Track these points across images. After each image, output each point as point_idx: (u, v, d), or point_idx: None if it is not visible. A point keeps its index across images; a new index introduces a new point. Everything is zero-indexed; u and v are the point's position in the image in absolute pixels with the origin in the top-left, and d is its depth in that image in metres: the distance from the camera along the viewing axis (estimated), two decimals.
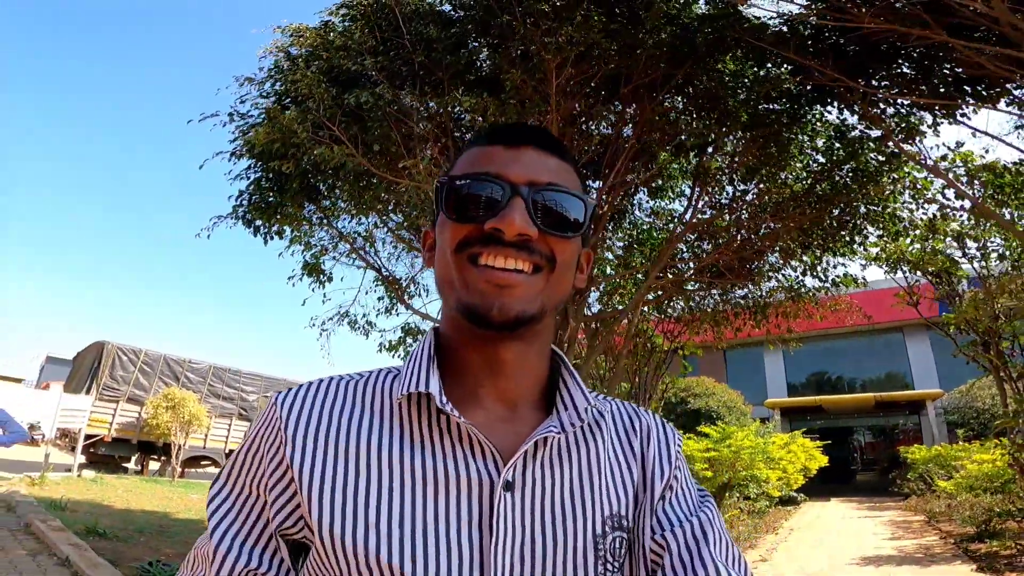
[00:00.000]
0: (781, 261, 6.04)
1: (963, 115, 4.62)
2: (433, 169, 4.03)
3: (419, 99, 4.32)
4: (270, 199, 5.21)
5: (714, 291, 6.25)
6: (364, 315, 6.32)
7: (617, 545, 0.56)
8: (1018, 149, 4.19)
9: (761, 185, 5.78)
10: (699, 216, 6.02)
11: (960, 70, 4.05)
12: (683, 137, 5.41)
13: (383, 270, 5.83)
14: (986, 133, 4.30)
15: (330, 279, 6.00)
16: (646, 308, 7.15)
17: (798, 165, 5.61)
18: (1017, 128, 4.54)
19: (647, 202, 6.81)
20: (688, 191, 6.16)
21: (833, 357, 17.32)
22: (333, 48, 4.35)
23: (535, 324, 0.57)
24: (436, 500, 0.53)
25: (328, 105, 4.13)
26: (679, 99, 5.39)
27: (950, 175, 4.91)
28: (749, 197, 6.01)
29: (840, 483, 16.13)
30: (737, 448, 7.59)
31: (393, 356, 6.69)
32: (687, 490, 0.62)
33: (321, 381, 0.60)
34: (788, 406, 16.31)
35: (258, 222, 5.38)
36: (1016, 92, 4.15)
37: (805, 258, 5.99)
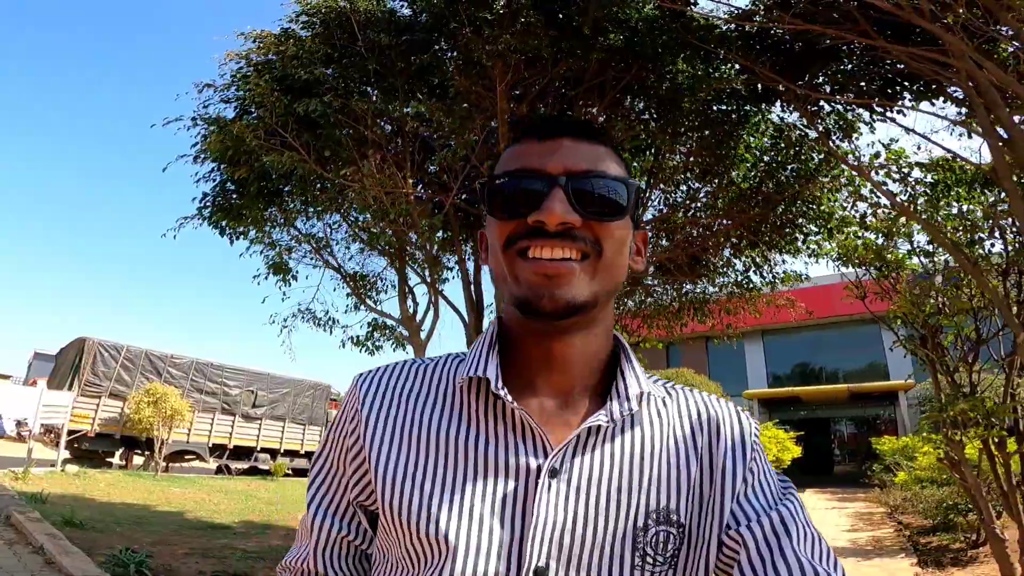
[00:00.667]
0: (732, 258, 6.25)
1: (899, 111, 4.80)
2: (377, 175, 4.21)
3: (370, 105, 4.49)
4: (233, 201, 5.41)
5: (668, 287, 6.46)
6: (326, 312, 6.50)
7: (661, 539, 0.55)
8: (942, 147, 4.39)
9: (714, 182, 5.98)
10: (655, 213, 6.22)
11: (902, 66, 4.23)
12: (641, 137, 5.59)
13: (342, 269, 6.02)
14: (915, 131, 4.48)
15: (295, 278, 6.18)
16: None
17: (746, 164, 5.80)
18: (955, 124, 4.71)
19: None
20: (645, 189, 6.34)
21: (815, 348, 17.52)
22: (287, 57, 4.52)
23: (588, 312, 0.57)
24: (485, 481, 0.56)
25: (280, 113, 4.30)
26: (636, 101, 5.56)
27: (883, 172, 5.09)
28: (702, 196, 6.21)
29: (819, 474, 16.36)
30: None
31: (361, 351, 6.89)
32: (766, 483, 0.60)
33: (396, 364, 0.65)
34: (767, 397, 16.56)
35: (223, 223, 5.57)
36: (950, 90, 4.32)
37: (753, 255, 6.20)
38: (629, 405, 0.58)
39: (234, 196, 5.41)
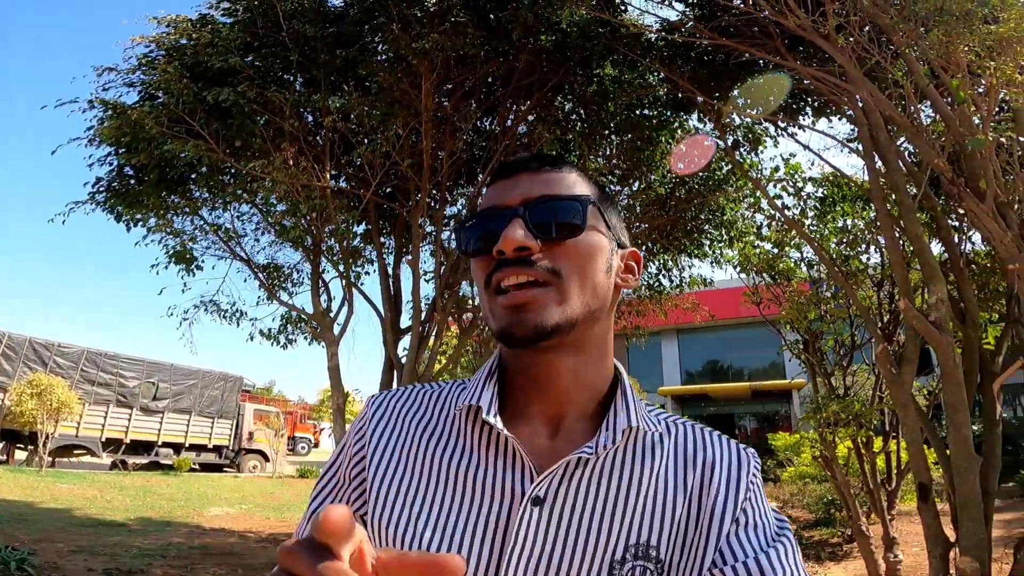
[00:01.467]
0: (646, 261, 6.58)
1: (799, 128, 5.23)
2: (292, 168, 4.11)
3: (290, 96, 4.36)
4: (131, 187, 5.11)
5: None
6: (233, 303, 6.24)
7: (637, 574, 0.56)
8: (832, 165, 4.83)
9: (633, 186, 6.25)
10: None
11: (808, 83, 4.60)
12: (568, 137, 5.75)
13: (252, 261, 5.81)
14: (808, 148, 4.90)
15: (199, 268, 5.90)
16: None
17: (662, 170, 6.11)
18: (843, 144, 5.19)
19: None
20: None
21: (723, 347, 18.62)
22: (201, 44, 4.30)
23: (564, 334, 0.57)
24: (470, 506, 0.58)
25: (188, 100, 4.09)
26: (563, 101, 5.71)
27: (780, 186, 5.55)
28: (622, 199, 6.48)
29: None
30: None
31: (272, 344, 6.67)
32: (760, 524, 0.59)
33: (407, 388, 0.68)
34: (680, 393, 17.48)
35: (119, 209, 5.25)
36: (846, 111, 4.75)
37: (665, 258, 6.56)
38: (614, 439, 0.58)
39: (132, 182, 5.11)
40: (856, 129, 4.79)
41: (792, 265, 6.78)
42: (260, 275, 5.82)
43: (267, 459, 15.25)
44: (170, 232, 5.62)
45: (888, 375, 3.78)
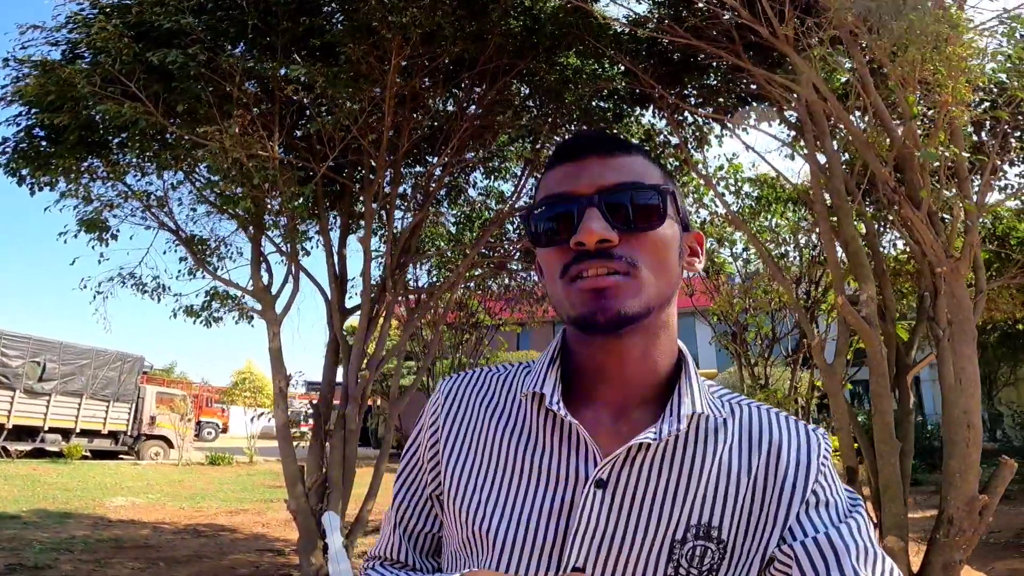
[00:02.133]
0: None
1: (745, 129, 5.54)
2: (245, 136, 3.80)
3: (241, 62, 4.02)
4: (42, 148, 4.56)
5: (531, 272, 6.76)
6: (155, 277, 5.72)
7: (698, 553, 0.57)
8: (772, 166, 5.13)
9: None
10: (528, 201, 6.44)
11: (755, 86, 4.85)
12: (522, 123, 5.72)
13: (181, 231, 5.33)
14: (752, 149, 5.20)
15: (115, 237, 5.34)
16: (472, 284, 7.49)
17: None
18: (782, 146, 5.55)
19: (482, 181, 7.08)
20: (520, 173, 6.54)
21: None
22: (147, 3, 3.86)
23: (641, 321, 0.57)
24: (535, 489, 0.59)
25: (127, 61, 3.69)
26: (523, 87, 5.67)
27: (723, 184, 5.88)
28: None
29: None
30: None
31: (195, 322, 6.18)
32: (832, 501, 0.59)
33: (477, 371, 0.70)
34: None
35: (24, 171, 4.67)
36: (787, 114, 5.08)
37: None
38: (678, 425, 0.58)
39: (43, 143, 4.56)
40: (793, 134, 5.17)
41: (723, 260, 7.24)
42: (188, 247, 5.35)
43: (171, 445, 14.17)
44: (84, 198, 5.03)
45: (822, 365, 4.13)
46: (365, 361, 5.09)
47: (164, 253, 6.15)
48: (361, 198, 5.87)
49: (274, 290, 5.15)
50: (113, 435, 13.14)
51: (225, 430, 21.25)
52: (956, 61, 2.58)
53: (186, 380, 24.04)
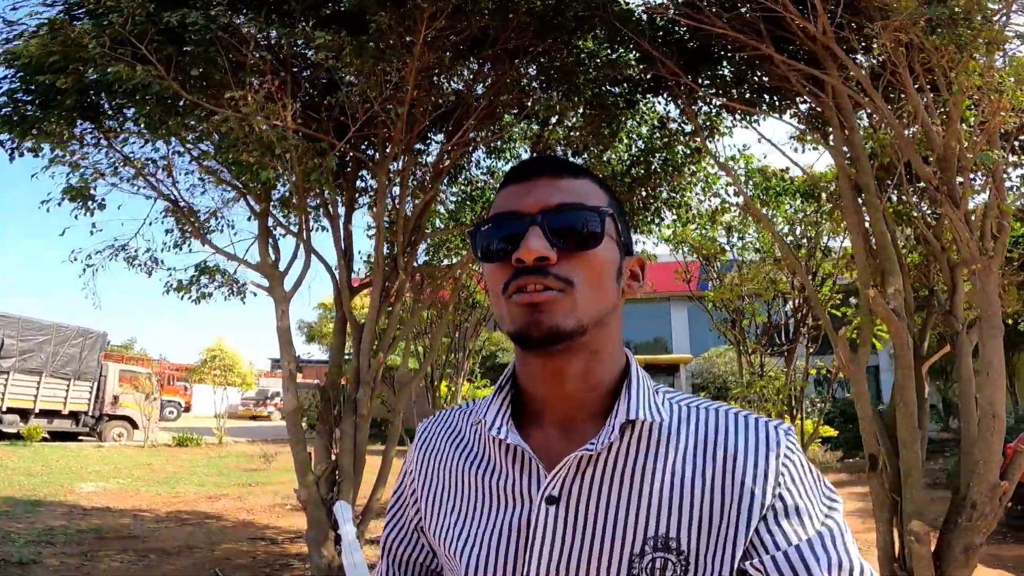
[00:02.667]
0: None
1: (755, 121, 5.52)
2: (267, 104, 3.53)
3: (260, 26, 3.72)
4: (27, 113, 4.16)
5: None
6: (148, 250, 5.34)
7: (658, 566, 0.56)
8: (789, 158, 5.14)
9: (591, 161, 6.24)
10: None
11: (766, 79, 4.80)
12: (530, 104, 5.54)
13: (180, 201, 4.98)
14: (769, 141, 5.19)
15: (102, 206, 4.95)
16: (472, 265, 7.32)
17: (621, 147, 6.16)
18: (791, 139, 5.56)
19: (484, 160, 6.89)
20: (525, 156, 6.38)
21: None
22: None
23: (576, 338, 0.58)
24: (496, 511, 0.62)
25: (139, 21, 3.36)
26: (533, 67, 5.48)
27: (733, 175, 5.86)
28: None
29: None
30: None
31: (183, 297, 5.83)
32: (803, 506, 0.57)
33: (446, 412, 0.74)
34: None
35: (3, 136, 4.27)
36: (801, 107, 5.07)
37: None
38: (613, 434, 0.58)
39: (28, 107, 4.16)
40: (803, 128, 5.18)
41: (720, 248, 7.28)
42: (189, 219, 5.00)
43: (135, 426, 13.55)
44: (71, 164, 4.61)
45: (847, 355, 4.19)
46: (375, 343, 4.89)
47: (150, 224, 5.72)
48: (363, 173, 5.62)
49: (282, 266, 4.89)
50: (74, 416, 12.48)
51: (188, 409, 20.52)
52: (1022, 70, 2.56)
53: (146, 357, 23.01)
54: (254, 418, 23.16)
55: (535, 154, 5.76)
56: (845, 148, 4.22)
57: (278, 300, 4.68)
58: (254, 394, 23.31)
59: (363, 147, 4.94)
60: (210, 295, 5.78)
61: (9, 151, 4.47)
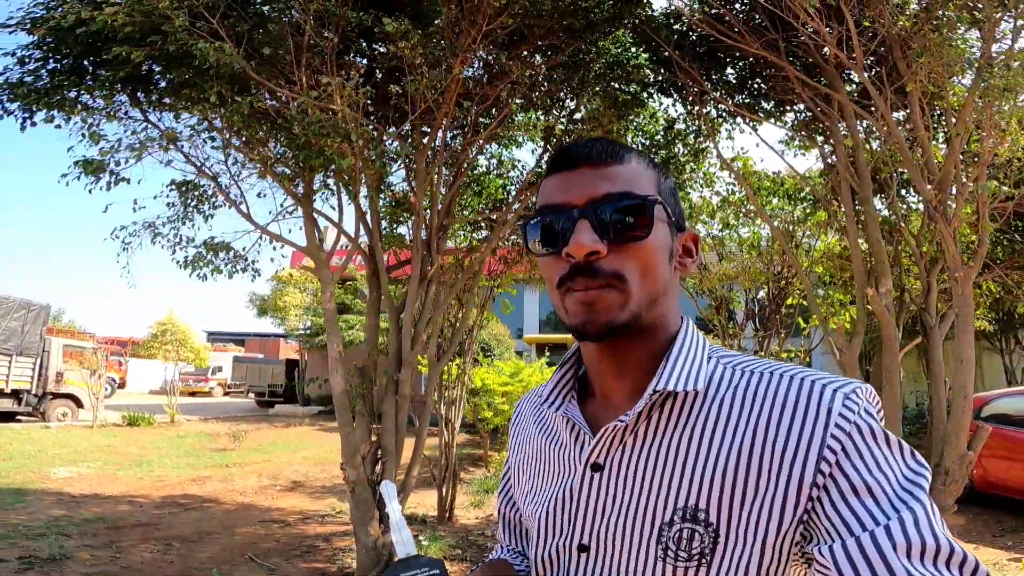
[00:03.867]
0: None
1: (754, 126, 5.99)
2: (354, 95, 3.57)
3: (339, 7, 3.71)
4: (51, 83, 3.97)
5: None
6: (175, 228, 5.17)
7: (685, 536, 0.56)
8: (787, 163, 5.65)
9: None
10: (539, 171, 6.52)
11: (764, 86, 5.25)
12: (534, 95, 5.71)
13: (219, 177, 4.86)
14: (768, 145, 5.68)
15: (127, 180, 4.77)
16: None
17: (629, 139, 6.46)
18: (781, 143, 6.08)
19: (488, 147, 6.99)
20: (537, 148, 6.58)
21: None
22: None
23: (631, 329, 0.60)
24: (556, 477, 0.68)
25: None
26: (540, 58, 5.64)
27: (731, 175, 6.35)
28: None
29: None
30: (527, 382, 8.68)
31: (191, 275, 5.69)
32: (874, 484, 0.51)
33: (538, 388, 0.78)
34: (542, 342, 18.86)
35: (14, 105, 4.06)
36: (791, 116, 5.57)
37: None
38: (643, 405, 0.60)
39: (62, 78, 3.97)
40: (804, 133, 5.71)
41: (718, 240, 7.83)
42: (229, 198, 4.89)
43: (80, 404, 12.75)
44: (91, 135, 4.39)
45: (843, 344, 4.81)
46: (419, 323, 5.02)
47: (155, 198, 5.49)
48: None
49: (327, 247, 4.94)
50: (15, 394, 11.58)
51: (122, 385, 19.35)
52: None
53: (74, 329, 21.27)
54: (193, 394, 22.18)
55: (555, 141, 5.94)
56: (840, 158, 4.75)
57: (326, 282, 4.72)
58: (193, 369, 22.27)
59: (409, 131, 4.98)
60: (219, 272, 5.67)
61: (21, 120, 4.24)
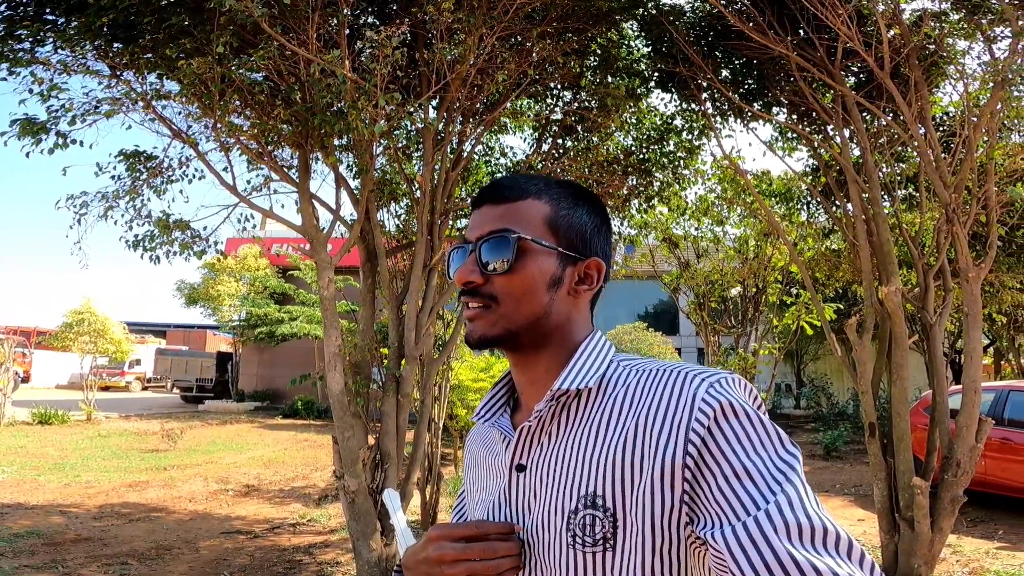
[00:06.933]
0: None
1: (745, 124, 5.99)
2: (392, 54, 3.15)
3: None
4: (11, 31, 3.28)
5: None
6: (135, 201, 4.46)
7: (587, 522, 0.61)
8: (783, 161, 5.67)
9: (592, 146, 6.31)
10: (537, 160, 6.23)
11: (755, 86, 5.24)
12: (534, 86, 5.45)
13: (198, 144, 4.22)
14: (764, 143, 5.68)
15: (76, 142, 4.08)
16: None
17: (621, 135, 6.30)
18: (765, 143, 6.13)
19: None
20: (532, 135, 6.32)
21: None
22: None
23: (505, 342, 0.69)
24: (491, 484, 0.74)
25: None
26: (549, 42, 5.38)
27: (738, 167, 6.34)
28: (572, 154, 6.49)
29: None
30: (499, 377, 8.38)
31: (142, 256, 4.97)
32: (750, 469, 0.55)
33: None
34: None
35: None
36: (782, 115, 5.61)
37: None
38: (545, 406, 0.68)
39: (16, 26, 3.30)
40: (776, 134, 5.77)
41: (682, 235, 7.86)
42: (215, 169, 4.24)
43: None
44: (43, 93, 3.67)
45: (855, 339, 4.86)
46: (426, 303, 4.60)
47: (100, 170, 4.69)
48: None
49: (325, 229, 4.43)
50: None
51: (26, 379, 17.26)
52: None
53: None
54: (107, 389, 20.15)
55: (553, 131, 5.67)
56: (845, 158, 4.78)
57: (323, 266, 4.20)
58: (106, 362, 20.23)
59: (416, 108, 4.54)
60: (172, 253, 4.98)
61: None
